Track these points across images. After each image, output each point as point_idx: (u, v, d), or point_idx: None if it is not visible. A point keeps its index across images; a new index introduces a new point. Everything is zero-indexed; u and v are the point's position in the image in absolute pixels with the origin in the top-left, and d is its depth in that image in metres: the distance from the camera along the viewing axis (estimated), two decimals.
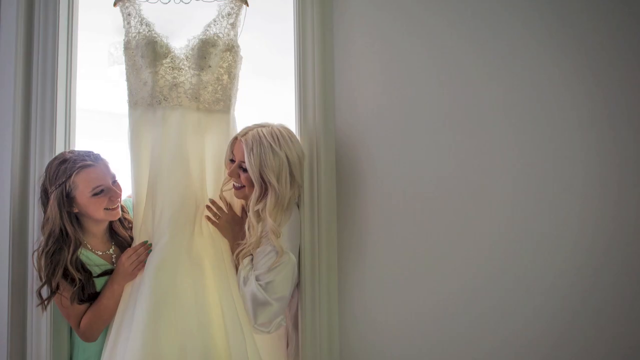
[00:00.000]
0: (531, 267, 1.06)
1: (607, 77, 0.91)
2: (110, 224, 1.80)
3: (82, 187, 1.64)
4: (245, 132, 1.70)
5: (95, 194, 1.65)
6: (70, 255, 1.62)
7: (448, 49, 1.32)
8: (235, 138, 1.72)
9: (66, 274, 1.63)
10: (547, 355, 1.02)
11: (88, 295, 1.67)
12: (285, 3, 1.95)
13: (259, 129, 1.67)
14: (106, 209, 1.68)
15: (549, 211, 1.02)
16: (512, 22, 1.13)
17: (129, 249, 1.73)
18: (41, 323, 1.71)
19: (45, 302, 1.64)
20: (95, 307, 1.68)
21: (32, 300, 1.69)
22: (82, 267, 1.67)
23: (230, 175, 1.73)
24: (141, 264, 1.68)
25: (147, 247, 1.70)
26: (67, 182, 1.62)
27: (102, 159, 1.70)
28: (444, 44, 1.33)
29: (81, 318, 1.67)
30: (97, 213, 1.68)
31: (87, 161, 1.66)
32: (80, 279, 1.63)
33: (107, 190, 1.67)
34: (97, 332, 1.70)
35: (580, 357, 0.96)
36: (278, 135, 1.66)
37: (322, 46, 1.77)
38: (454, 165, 1.29)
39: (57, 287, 1.62)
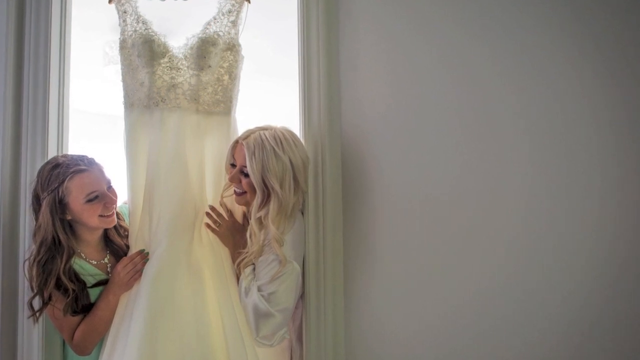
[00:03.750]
0: (546, 275, 1.04)
1: (625, 76, 0.89)
2: (105, 232, 1.76)
3: (75, 193, 1.60)
4: (247, 135, 1.66)
5: (90, 200, 1.61)
6: (63, 265, 1.59)
7: (457, 48, 1.30)
8: (237, 142, 1.69)
9: (59, 284, 1.59)
10: None
11: (82, 306, 1.63)
12: (287, 0, 1.91)
13: (262, 132, 1.63)
14: (101, 215, 1.64)
15: (565, 217, 1.00)
16: (524, 20, 1.11)
17: (124, 258, 1.69)
18: (33, 336, 1.69)
19: (37, 314, 1.61)
20: (89, 318, 1.64)
21: (23, 312, 1.66)
22: (76, 277, 1.63)
23: (231, 180, 1.69)
24: (138, 273, 1.64)
25: (144, 256, 1.66)
26: (60, 188, 1.58)
27: (96, 164, 1.66)
28: (454, 43, 1.32)
29: (75, 330, 1.64)
30: (91, 220, 1.63)
31: (80, 166, 1.62)
32: (73, 290, 1.60)
33: (102, 197, 1.63)
34: (92, 344, 1.67)
35: None
36: (281, 138, 1.62)
37: (327, 45, 1.73)
38: (464, 168, 1.27)
39: (50, 298, 1.58)
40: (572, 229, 0.99)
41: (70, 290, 1.59)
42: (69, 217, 1.63)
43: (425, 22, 1.43)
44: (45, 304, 1.58)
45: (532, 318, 1.06)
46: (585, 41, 0.96)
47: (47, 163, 1.64)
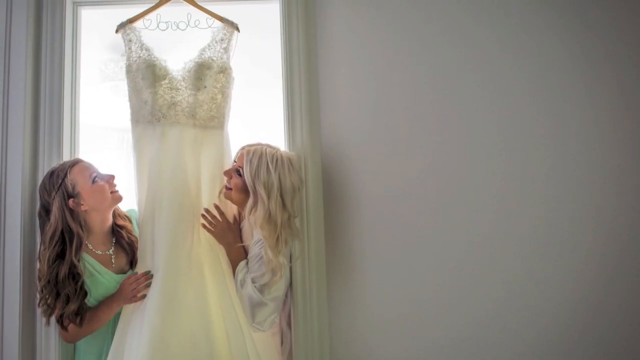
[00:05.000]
0: (541, 276, 1.05)
1: (618, 74, 0.92)
2: (115, 231, 1.87)
3: (81, 179, 1.72)
4: (253, 145, 1.80)
5: (94, 181, 1.74)
6: (74, 252, 1.67)
7: (436, 71, 1.34)
8: (243, 148, 1.83)
9: (59, 292, 1.66)
10: None
11: (81, 318, 1.71)
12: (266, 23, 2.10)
13: (266, 148, 1.77)
14: (111, 192, 1.78)
15: (560, 218, 1.01)
16: (506, 37, 1.14)
17: (132, 275, 1.80)
18: (50, 334, 1.80)
19: (48, 318, 1.72)
20: (88, 318, 1.74)
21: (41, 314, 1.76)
22: (81, 287, 1.70)
23: (226, 174, 1.82)
24: (139, 294, 1.75)
25: (147, 277, 1.77)
26: (64, 182, 1.69)
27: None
28: (433, 64, 1.35)
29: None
30: (106, 198, 1.76)
31: (71, 161, 1.77)
32: (76, 296, 1.67)
33: (101, 175, 1.77)
34: (81, 338, 1.79)
35: None
36: (278, 158, 1.74)
37: (308, 79, 1.89)
38: (443, 181, 1.29)
39: (54, 305, 1.68)
40: (567, 230, 1.00)
41: (74, 294, 1.66)
42: (84, 208, 1.72)
43: (401, 50, 1.48)
44: (48, 306, 1.67)
45: (525, 331, 1.08)
46: (570, 43, 0.98)
47: (42, 181, 1.76)
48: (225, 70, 1.90)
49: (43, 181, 1.75)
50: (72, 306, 1.67)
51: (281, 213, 1.70)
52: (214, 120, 1.89)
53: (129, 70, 1.88)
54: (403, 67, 1.49)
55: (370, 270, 1.64)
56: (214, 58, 1.88)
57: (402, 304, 1.50)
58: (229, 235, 1.84)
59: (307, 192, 1.85)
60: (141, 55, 1.86)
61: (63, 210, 1.68)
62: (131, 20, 1.92)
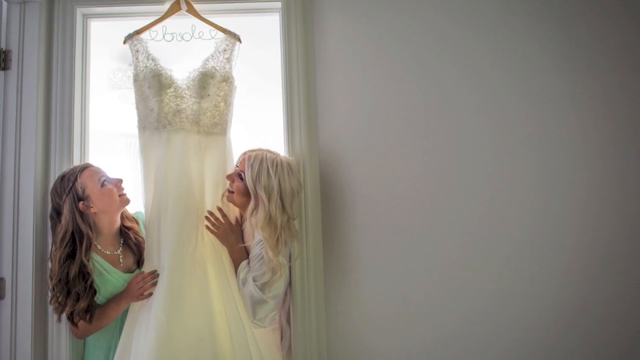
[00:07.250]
0: (532, 276, 1.06)
1: (606, 80, 0.94)
2: (123, 232, 1.92)
3: (90, 183, 1.76)
4: (254, 151, 1.85)
5: (103, 185, 1.78)
6: (83, 252, 1.71)
7: (428, 80, 1.37)
8: (244, 153, 1.88)
9: (70, 290, 1.71)
10: None
11: (90, 315, 1.76)
12: (270, 37, 2.15)
13: (266, 153, 1.82)
14: (119, 195, 1.82)
15: (550, 219, 1.02)
16: (498, 46, 1.16)
17: (139, 274, 1.85)
18: (61, 333, 1.86)
19: (59, 315, 1.77)
20: (97, 315, 1.79)
21: (53, 313, 1.81)
22: (90, 286, 1.75)
23: (228, 178, 1.88)
24: (146, 292, 1.80)
25: (153, 276, 1.82)
26: (75, 186, 1.73)
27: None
28: (426, 74, 1.38)
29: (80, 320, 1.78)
30: (114, 201, 1.80)
31: (81, 165, 1.82)
32: (86, 294, 1.71)
33: (110, 179, 1.82)
34: (90, 334, 1.84)
35: None
36: (278, 163, 1.79)
37: (307, 87, 1.94)
38: (434, 190, 1.31)
39: (65, 303, 1.72)
40: (553, 232, 1.02)
41: (84, 291, 1.70)
42: (94, 210, 1.76)
43: (396, 51, 1.51)
44: (59, 304, 1.71)
45: (514, 330, 1.10)
46: (559, 54, 1.00)
47: (53, 185, 1.80)
48: (227, 79, 1.95)
49: (54, 185, 1.79)
50: (82, 304, 1.71)
51: (281, 215, 1.75)
52: (217, 127, 1.94)
53: (136, 79, 1.94)
54: (397, 76, 1.54)
55: (366, 270, 1.68)
56: (217, 68, 1.93)
57: (396, 302, 1.55)
58: (231, 236, 1.89)
59: (305, 195, 1.89)
60: (148, 65, 1.92)
61: (73, 212, 1.73)
62: (138, 32, 1.98)
